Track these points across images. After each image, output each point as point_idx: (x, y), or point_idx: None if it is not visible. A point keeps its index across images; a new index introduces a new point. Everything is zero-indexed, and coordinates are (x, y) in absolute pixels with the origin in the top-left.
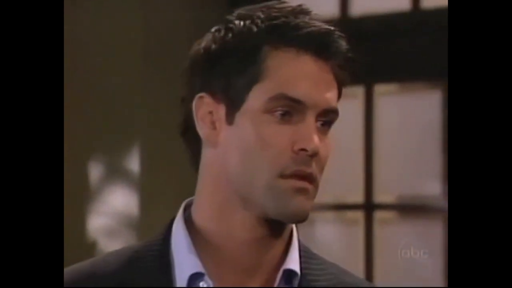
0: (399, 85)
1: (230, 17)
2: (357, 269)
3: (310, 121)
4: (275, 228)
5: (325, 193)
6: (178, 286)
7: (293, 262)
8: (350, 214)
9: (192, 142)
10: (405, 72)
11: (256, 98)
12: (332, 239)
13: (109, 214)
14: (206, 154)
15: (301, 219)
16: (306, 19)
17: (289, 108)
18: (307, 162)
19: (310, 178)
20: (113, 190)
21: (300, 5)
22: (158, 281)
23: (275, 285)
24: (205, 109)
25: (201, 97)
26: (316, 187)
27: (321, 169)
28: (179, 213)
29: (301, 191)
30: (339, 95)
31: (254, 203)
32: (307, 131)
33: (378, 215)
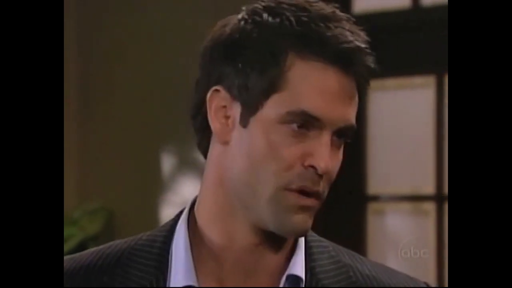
0: None
1: (258, 8)
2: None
3: (326, 138)
4: (275, 236)
5: (400, 184)
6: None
7: (297, 266)
8: (425, 205)
9: (202, 128)
10: None
11: (274, 108)
12: (404, 230)
13: (181, 204)
14: (215, 148)
15: (300, 235)
16: (338, 30)
17: (306, 122)
18: (315, 180)
19: (316, 195)
20: (185, 181)
21: (333, 11)
22: (152, 280)
23: None
24: (219, 103)
25: (216, 90)
26: (321, 202)
27: (329, 184)
28: (185, 211)
29: (305, 208)
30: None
31: (254, 213)
32: (321, 149)
33: None
